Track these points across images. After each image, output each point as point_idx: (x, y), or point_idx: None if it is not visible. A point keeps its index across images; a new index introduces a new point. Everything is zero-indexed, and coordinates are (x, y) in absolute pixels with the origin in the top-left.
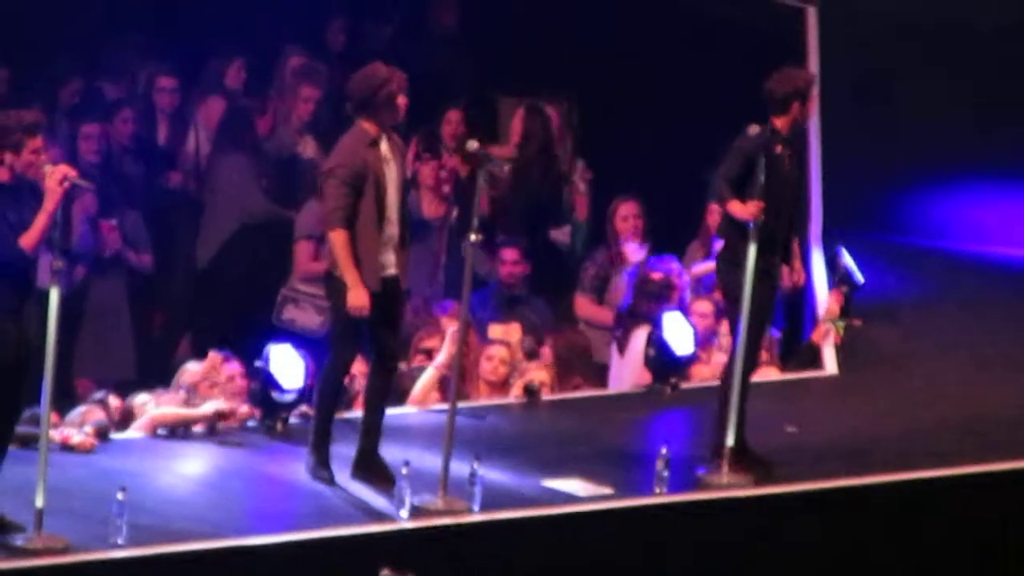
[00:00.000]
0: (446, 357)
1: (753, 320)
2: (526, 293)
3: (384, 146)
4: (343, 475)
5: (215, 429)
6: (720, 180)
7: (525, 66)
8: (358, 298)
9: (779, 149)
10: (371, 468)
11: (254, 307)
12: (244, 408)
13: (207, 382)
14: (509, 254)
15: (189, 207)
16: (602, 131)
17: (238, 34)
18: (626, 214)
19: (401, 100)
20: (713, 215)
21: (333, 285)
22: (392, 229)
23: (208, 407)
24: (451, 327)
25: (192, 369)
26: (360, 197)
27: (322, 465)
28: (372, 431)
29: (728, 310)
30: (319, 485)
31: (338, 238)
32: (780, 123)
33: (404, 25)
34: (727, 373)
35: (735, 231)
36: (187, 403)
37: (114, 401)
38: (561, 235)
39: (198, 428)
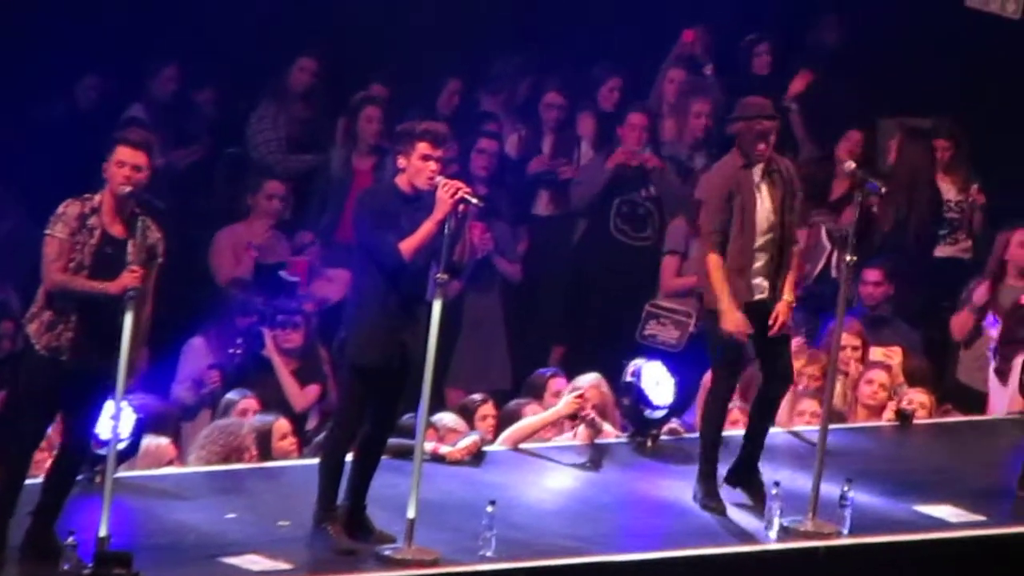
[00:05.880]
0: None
1: None
2: (890, 315)
3: (756, 171)
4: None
5: (592, 439)
6: None
7: (906, 86)
8: (733, 323)
9: None
10: (747, 480)
11: (622, 322)
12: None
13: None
14: (871, 275)
15: (561, 221)
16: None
17: (612, 52)
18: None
19: (760, 148)
20: None
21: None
22: (763, 253)
23: (560, 407)
24: None
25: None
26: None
27: (711, 495)
28: (757, 443)
29: None
30: (687, 503)
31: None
32: None
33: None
34: None
35: None
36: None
37: (490, 410)
38: (953, 252)
39: (576, 441)
